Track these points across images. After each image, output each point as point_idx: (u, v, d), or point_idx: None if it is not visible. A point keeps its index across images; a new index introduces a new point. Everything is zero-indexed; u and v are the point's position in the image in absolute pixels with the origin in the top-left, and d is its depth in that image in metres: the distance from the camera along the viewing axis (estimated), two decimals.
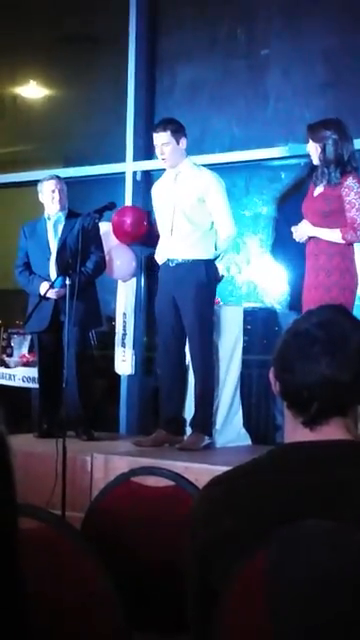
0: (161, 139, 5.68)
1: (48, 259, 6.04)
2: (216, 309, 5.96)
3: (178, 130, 5.70)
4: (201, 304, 5.60)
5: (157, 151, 5.75)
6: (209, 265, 5.69)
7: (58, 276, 5.63)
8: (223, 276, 5.99)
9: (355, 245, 5.28)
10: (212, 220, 5.69)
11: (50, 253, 6.05)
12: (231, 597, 1.56)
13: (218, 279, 5.84)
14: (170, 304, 5.68)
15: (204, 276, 5.62)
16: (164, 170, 5.98)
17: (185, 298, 5.60)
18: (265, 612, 1.50)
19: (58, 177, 6.27)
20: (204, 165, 5.99)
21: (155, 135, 5.72)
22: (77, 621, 1.87)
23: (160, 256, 5.84)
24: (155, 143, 5.74)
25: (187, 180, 5.72)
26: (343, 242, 5.15)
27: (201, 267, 5.62)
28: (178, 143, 5.69)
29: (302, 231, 5.31)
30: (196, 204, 5.66)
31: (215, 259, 5.75)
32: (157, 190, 5.95)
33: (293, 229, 5.37)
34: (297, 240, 5.36)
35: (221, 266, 5.86)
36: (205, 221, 5.68)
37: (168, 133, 5.66)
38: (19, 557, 1.02)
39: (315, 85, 6.63)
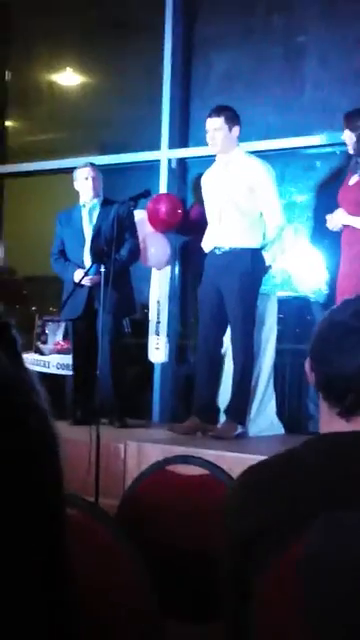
0: (214, 124, 5.68)
1: (82, 246, 6.06)
2: None
3: (232, 118, 5.70)
4: (245, 293, 5.60)
5: (208, 136, 5.74)
6: (256, 254, 5.67)
7: (92, 263, 5.64)
8: (270, 266, 5.95)
9: None
10: (261, 210, 5.67)
11: (84, 240, 6.07)
12: (266, 587, 1.56)
13: (265, 269, 5.81)
14: (214, 292, 5.68)
15: (250, 265, 5.61)
16: (200, 158, 5.98)
17: (230, 286, 5.59)
18: (300, 602, 1.49)
19: (92, 164, 6.28)
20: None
21: (208, 120, 5.72)
22: (110, 608, 1.87)
23: (207, 244, 5.83)
24: (207, 128, 5.74)
25: (238, 169, 5.71)
26: None
27: (247, 256, 5.62)
28: (230, 130, 5.69)
29: (337, 219, 5.29)
30: (246, 193, 5.65)
31: (262, 248, 5.73)
32: (207, 177, 5.95)
33: (328, 217, 5.34)
34: (331, 228, 5.34)
35: (268, 256, 5.84)
36: (254, 210, 5.67)
37: (222, 119, 5.66)
38: (67, 548, 1.02)
39: (352, 72, 6.58)
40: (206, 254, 5.84)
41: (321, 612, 1.47)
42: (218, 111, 5.70)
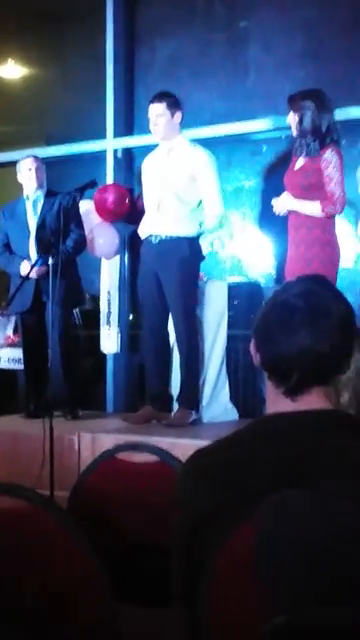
0: (156, 110, 5.64)
1: (27, 238, 6.01)
2: (200, 284, 5.95)
3: (174, 104, 5.66)
4: (184, 280, 5.58)
5: (151, 123, 5.70)
6: (193, 242, 5.65)
7: (39, 255, 5.60)
8: (205, 255, 5.94)
9: (336, 218, 5.27)
10: (200, 198, 5.66)
11: (29, 232, 6.02)
12: (218, 569, 1.56)
13: (202, 257, 5.80)
14: (153, 280, 5.65)
15: (188, 253, 5.59)
16: (145, 146, 5.95)
17: (168, 274, 5.57)
18: (252, 583, 1.49)
19: (35, 156, 6.24)
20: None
21: (151, 106, 5.68)
22: (63, 599, 1.87)
23: (144, 230, 5.80)
24: (149, 114, 5.69)
25: (180, 156, 5.67)
26: (322, 215, 5.13)
27: (184, 244, 5.59)
28: (173, 116, 5.64)
29: (282, 204, 5.29)
30: (187, 181, 5.62)
31: (199, 237, 5.72)
32: (148, 164, 5.90)
33: (273, 202, 5.34)
34: (277, 213, 5.34)
35: (205, 244, 5.82)
36: (193, 199, 5.64)
37: (164, 105, 5.62)
38: None
39: (295, 57, 6.59)
40: (142, 242, 5.82)
41: (273, 590, 1.47)
42: (160, 97, 5.67)
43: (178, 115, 5.66)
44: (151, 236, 5.67)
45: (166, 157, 5.70)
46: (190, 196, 5.63)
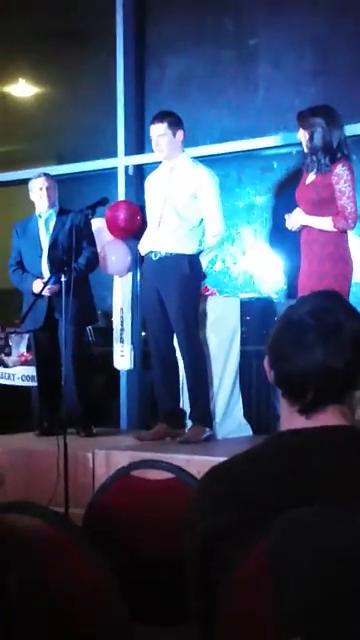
0: (157, 130, 5.66)
1: (40, 257, 6.04)
2: (212, 300, 5.96)
3: (176, 123, 5.67)
4: (185, 298, 5.58)
5: (153, 143, 5.73)
6: (193, 260, 5.67)
7: (51, 273, 5.62)
8: (206, 272, 5.95)
9: (349, 233, 5.27)
10: (201, 217, 5.67)
11: (42, 251, 6.05)
12: (233, 586, 1.55)
13: (202, 274, 5.81)
14: (155, 297, 5.67)
15: (188, 270, 5.60)
16: (156, 164, 5.97)
17: (169, 292, 5.59)
18: (267, 600, 1.49)
19: (47, 174, 6.27)
20: (196, 157, 5.97)
21: (152, 127, 5.70)
22: (79, 617, 1.86)
23: (144, 247, 5.83)
24: (151, 135, 5.72)
25: (182, 174, 5.69)
26: (335, 230, 5.13)
27: (185, 262, 5.61)
28: (174, 135, 5.66)
29: (294, 219, 5.29)
30: (188, 199, 5.64)
31: (199, 254, 5.73)
32: (151, 181, 5.93)
33: (286, 217, 5.35)
34: (290, 228, 5.35)
35: (204, 262, 5.84)
36: (194, 217, 5.66)
37: (165, 125, 5.64)
38: None
39: (305, 73, 6.62)
40: (143, 258, 5.85)
41: (288, 608, 1.47)
42: (161, 117, 5.68)
43: (180, 134, 5.67)
44: (151, 252, 5.69)
45: (168, 175, 5.72)
46: (191, 214, 5.65)
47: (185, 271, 5.58)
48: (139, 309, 6.81)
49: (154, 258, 5.67)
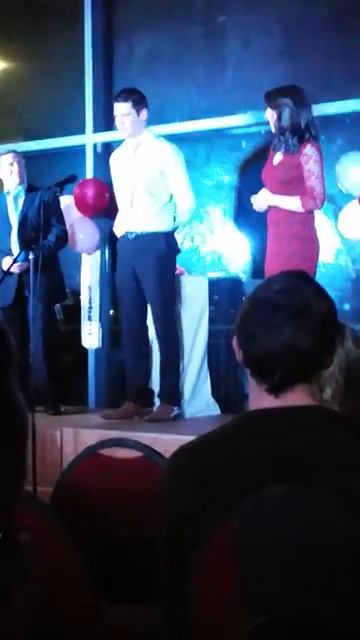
0: (122, 109, 5.62)
1: (9, 233, 6.00)
2: (181, 279, 5.96)
3: (139, 101, 5.63)
4: (162, 275, 5.59)
5: (117, 121, 5.69)
6: (169, 237, 5.67)
7: (21, 250, 5.59)
8: (180, 249, 5.95)
9: (316, 213, 5.28)
10: (171, 193, 5.66)
11: (11, 227, 6.01)
12: (201, 565, 1.56)
13: (177, 251, 5.82)
14: (130, 276, 5.66)
15: (164, 247, 5.60)
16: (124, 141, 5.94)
17: (146, 270, 5.58)
18: (235, 578, 1.50)
19: (15, 151, 6.22)
20: (164, 135, 5.94)
21: (116, 105, 5.66)
22: (45, 596, 1.86)
23: (119, 228, 5.81)
24: (115, 113, 5.68)
25: (147, 152, 5.66)
26: (303, 210, 5.14)
27: (161, 239, 5.61)
28: (139, 114, 5.62)
29: (261, 200, 5.30)
30: (157, 177, 5.62)
31: (174, 231, 5.73)
32: (116, 160, 5.89)
33: (252, 198, 5.35)
34: (257, 209, 5.35)
35: (179, 238, 5.84)
36: (165, 194, 5.65)
37: (129, 104, 5.59)
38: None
39: (273, 52, 6.59)
40: (118, 239, 5.83)
41: (252, 588, 1.48)
42: (125, 96, 5.62)
43: (144, 112, 5.64)
44: (127, 233, 5.68)
45: (133, 154, 5.69)
46: (162, 191, 5.64)
47: (162, 249, 5.59)
48: (113, 289, 6.80)
49: (130, 237, 5.66)
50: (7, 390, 1.12)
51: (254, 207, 5.35)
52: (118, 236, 5.81)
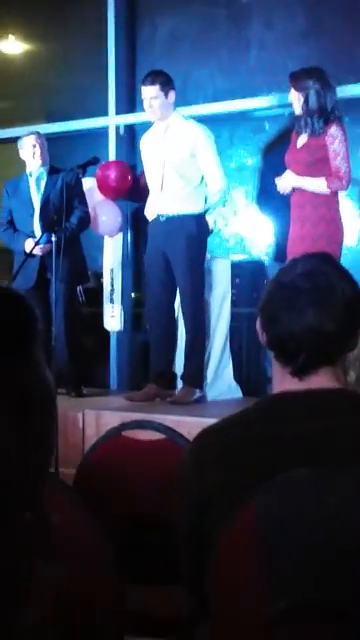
0: (150, 92, 5.59)
1: (32, 215, 6.00)
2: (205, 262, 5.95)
3: (167, 83, 5.60)
4: (192, 257, 5.58)
5: (145, 104, 5.66)
6: (200, 219, 5.65)
7: (43, 232, 5.59)
8: (212, 230, 5.94)
9: (340, 195, 5.25)
10: (202, 174, 5.64)
11: (33, 209, 6.00)
12: (223, 548, 1.56)
13: (208, 232, 5.80)
14: (160, 258, 5.65)
15: (195, 230, 5.58)
16: (147, 123, 5.92)
17: (176, 251, 5.57)
18: (257, 562, 1.50)
19: (38, 133, 6.21)
20: (187, 117, 5.92)
21: (143, 88, 5.63)
22: (72, 574, 1.87)
23: (150, 212, 5.80)
24: (143, 96, 5.65)
25: (177, 134, 5.64)
26: (328, 191, 5.11)
27: (192, 221, 5.59)
28: (167, 96, 5.60)
29: (286, 182, 5.27)
30: (187, 159, 5.60)
31: (205, 213, 5.71)
32: (146, 143, 5.87)
33: (277, 180, 5.33)
34: (281, 191, 5.33)
35: (210, 220, 5.82)
36: (195, 176, 5.63)
37: (157, 87, 5.56)
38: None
39: (297, 33, 6.55)
40: (148, 222, 5.82)
41: (274, 572, 1.48)
42: (152, 79, 5.59)
43: (172, 94, 5.61)
44: (159, 215, 5.67)
45: (163, 136, 5.67)
46: (192, 173, 5.62)
47: (192, 231, 5.57)
48: (136, 271, 6.80)
49: (161, 220, 5.65)
50: (34, 360, 1.10)
51: (278, 189, 5.33)
52: (150, 219, 5.80)
